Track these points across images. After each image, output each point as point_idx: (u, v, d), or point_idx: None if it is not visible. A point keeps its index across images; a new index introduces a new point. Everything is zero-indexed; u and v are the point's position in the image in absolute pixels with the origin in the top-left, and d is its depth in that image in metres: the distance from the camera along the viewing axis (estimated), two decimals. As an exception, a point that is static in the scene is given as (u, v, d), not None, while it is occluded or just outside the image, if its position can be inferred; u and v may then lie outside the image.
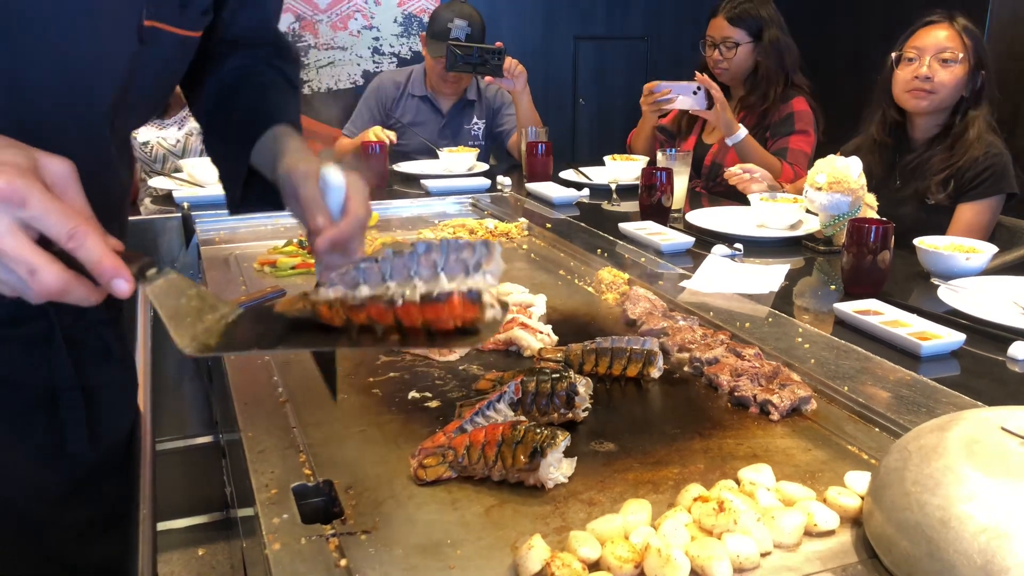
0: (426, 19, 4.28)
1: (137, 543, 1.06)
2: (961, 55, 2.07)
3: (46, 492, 1.03)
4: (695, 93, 2.55)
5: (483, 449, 0.93)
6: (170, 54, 0.99)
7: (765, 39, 2.70)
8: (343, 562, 0.79)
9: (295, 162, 0.90)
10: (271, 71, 1.12)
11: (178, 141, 2.87)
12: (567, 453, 0.95)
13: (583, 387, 1.08)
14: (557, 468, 0.93)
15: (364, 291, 0.68)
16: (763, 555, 0.80)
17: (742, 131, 2.54)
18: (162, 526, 2.49)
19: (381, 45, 4.28)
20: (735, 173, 2.32)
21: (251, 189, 1.04)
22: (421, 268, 0.67)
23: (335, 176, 0.85)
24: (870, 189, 1.96)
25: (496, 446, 0.93)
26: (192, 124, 2.91)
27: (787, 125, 2.67)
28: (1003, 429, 0.80)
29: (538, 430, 0.94)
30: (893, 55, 2.16)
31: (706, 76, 2.57)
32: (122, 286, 0.63)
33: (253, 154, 1.00)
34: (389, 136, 2.87)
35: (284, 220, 2.21)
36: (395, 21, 4.27)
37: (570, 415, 1.06)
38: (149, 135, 2.88)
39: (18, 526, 1.00)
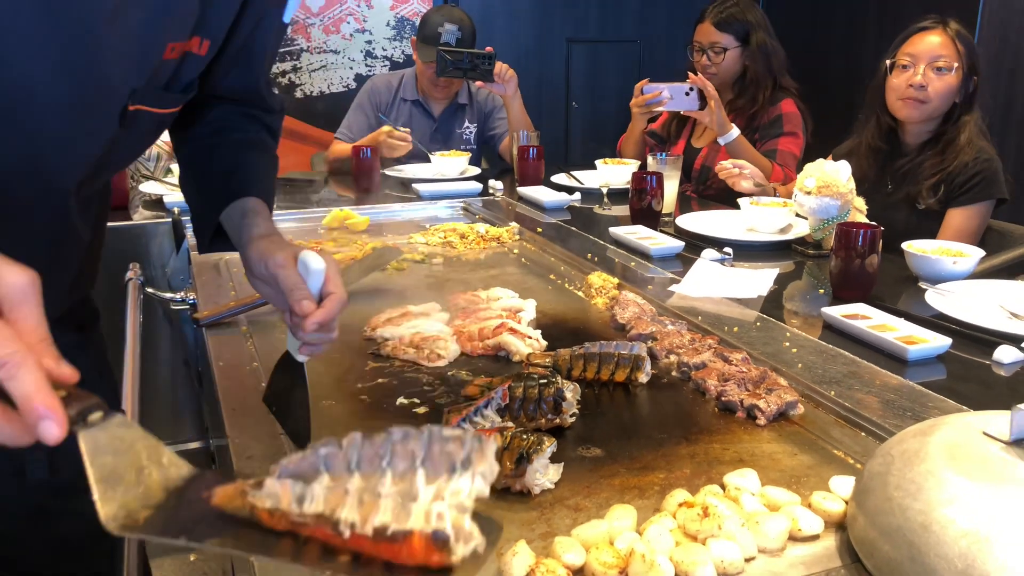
0: (418, 22, 4.29)
1: (123, 552, 1.06)
2: (956, 64, 2.07)
3: (8, 510, 1.03)
4: (687, 94, 2.56)
5: None
6: (147, 131, 0.98)
7: (752, 43, 2.70)
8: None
9: (269, 248, 0.93)
10: (253, 126, 1.12)
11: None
12: (553, 459, 0.95)
13: (571, 393, 1.08)
14: (543, 474, 0.93)
15: (315, 495, 0.56)
16: (747, 560, 0.80)
17: (735, 131, 2.55)
18: (153, 531, 2.48)
19: (374, 48, 4.28)
20: (726, 167, 2.32)
21: (219, 239, 1.07)
22: (396, 459, 0.55)
23: (316, 261, 0.89)
24: (862, 193, 1.97)
25: None
26: None
27: (775, 127, 2.68)
28: (985, 434, 0.80)
29: (524, 436, 0.94)
30: (887, 62, 2.16)
31: (700, 76, 2.57)
32: (50, 430, 0.52)
33: (222, 217, 1.03)
34: (403, 133, 2.88)
35: (276, 225, 2.21)
36: (387, 24, 4.27)
37: (557, 420, 1.06)
38: None
39: None
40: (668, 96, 2.60)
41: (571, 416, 1.08)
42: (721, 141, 2.57)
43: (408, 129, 2.96)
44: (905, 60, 2.12)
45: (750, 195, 2.24)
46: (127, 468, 0.58)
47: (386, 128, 2.92)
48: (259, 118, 1.13)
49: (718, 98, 2.54)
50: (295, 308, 0.88)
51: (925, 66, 2.08)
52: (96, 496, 0.55)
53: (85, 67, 0.81)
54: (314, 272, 0.89)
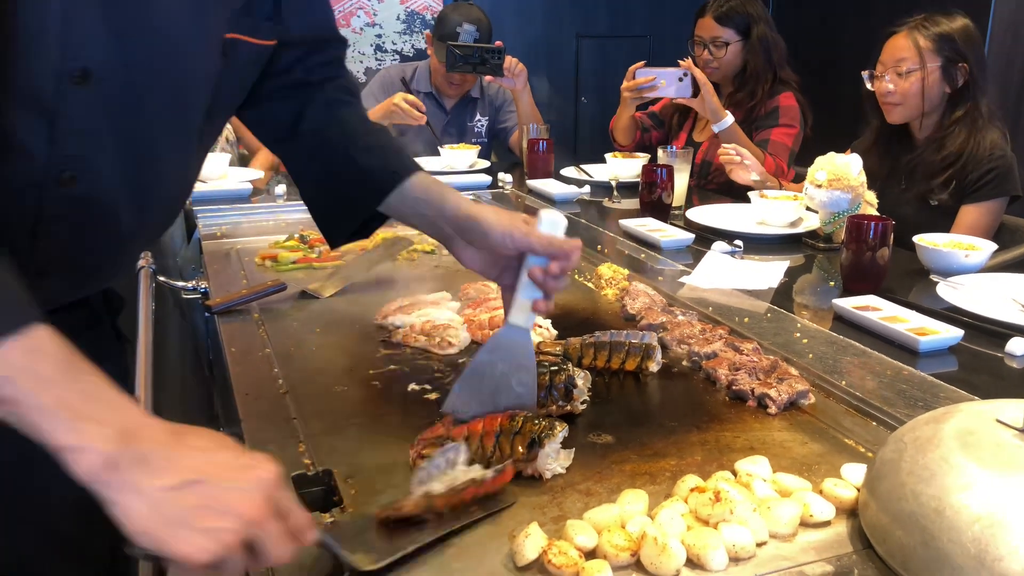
0: (429, 16, 4.29)
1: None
2: (916, 63, 2.08)
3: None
4: (681, 80, 2.53)
5: (481, 440, 0.94)
6: (245, 66, 0.99)
7: (753, 36, 2.68)
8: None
9: (503, 217, 1.00)
10: (344, 95, 1.13)
11: None
12: (565, 444, 0.96)
13: (581, 380, 1.08)
14: (555, 459, 0.94)
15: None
16: (759, 545, 0.80)
17: (729, 118, 2.53)
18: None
19: (384, 42, 4.28)
20: (727, 151, 2.30)
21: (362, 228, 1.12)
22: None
23: (554, 215, 1.00)
24: (874, 189, 1.96)
25: (494, 437, 0.93)
26: None
27: (771, 118, 2.66)
28: (998, 421, 0.80)
29: (536, 421, 0.94)
30: (864, 74, 2.19)
31: (690, 62, 2.56)
32: (312, 537, 0.71)
33: (389, 204, 1.06)
34: (415, 103, 2.86)
35: (285, 215, 2.21)
36: (398, 18, 4.27)
37: (568, 407, 1.07)
38: None
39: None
40: (661, 83, 2.57)
41: (582, 403, 1.09)
42: (716, 128, 2.55)
43: (423, 107, 2.92)
44: (879, 69, 2.17)
45: (748, 188, 2.24)
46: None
47: (399, 96, 2.89)
48: (342, 76, 1.14)
49: (709, 85, 2.52)
50: (569, 254, 0.97)
51: (890, 72, 2.13)
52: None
53: None
54: (560, 225, 1.00)
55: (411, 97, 2.88)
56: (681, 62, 2.55)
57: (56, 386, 0.62)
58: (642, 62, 2.65)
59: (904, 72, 2.10)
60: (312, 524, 0.71)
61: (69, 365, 0.64)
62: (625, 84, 2.68)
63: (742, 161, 2.28)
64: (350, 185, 1.08)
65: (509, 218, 1.00)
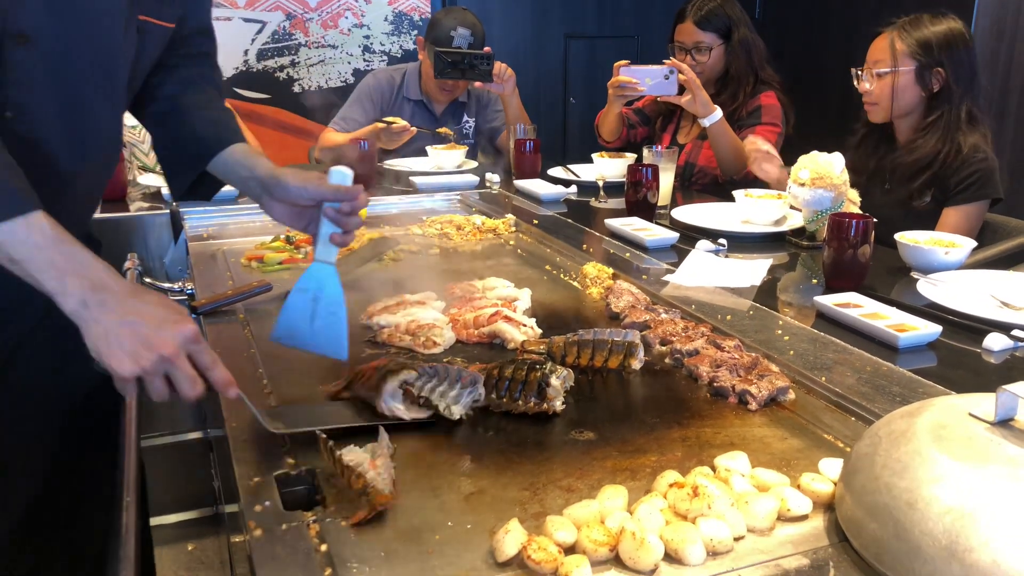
0: (417, 17, 4.29)
1: (121, 533, 1.07)
2: (890, 64, 2.10)
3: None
4: (666, 78, 2.54)
5: (369, 374, 1.06)
6: (154, 42, 1.19)
7: (735, 39, 2.69)
8: (323, 547, 0.80)
9: (300, 174, 1.18)
10: (210, 88, 1.35)
11: None
12: (544, 443, 0.96)
13: (558, 380, 1.09)
14: (400, 406, 1.04)
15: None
16: (736, 539, 0.81)
17: (718, 112, 2.53)
18: (152, 521, 2.49)
19: (372, 43, 4.28)
20: (757, 145, 2.29)
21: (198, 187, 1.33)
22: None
23: (342, 168, 1.15)
24: (859, 188, 1.98)
25: (373, 370, 1.06)
26: None
27: (754, 117, 2.67)
28: (970, 415, 0.82)
29: (403, 361, 1.07)
30: (852, 71, 2.22)
31: (675, 60, 2.56)
32: (233, 392, 0.97)
33: (212, 165, 1.27)
34: (403, 124, 2.88)
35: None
36: (386, 19, 4.27)
37: (544, 406, 1.07)
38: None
39: None
40: (646, 81, 2.57)
41: (560, 403, 1.09)
42: (706, 123, 2.54)
43: (407, 125, 2.94)
44: (862, 69, 2.19)
45: (734, 186, 2.24)
46: None
47: (382, 124, 2.90)
48: (208, 67, 1.37)
49: (697, 80, 2.51)
50: (356, 195, 1.14)
51: (868, 72, 2.15)
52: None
53: None
54: (348, 176, 1.16)
55: (387, 119, 2.90)
56: (667, 61, 2.56)
57: (47, 251, 0.89)
58: (626, 60, 2.65)
59: (878, 73, 2.12)
60: (231, 382, 0.96)
61: (56, 237, 0.90)
62: (610, 81, 2.67)
63: (768, 154, 2.27)
64: (187, 145, 1.28)
65: (305, 175, 1.17)
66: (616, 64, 2.64)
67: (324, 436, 0.93)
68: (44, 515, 1.23)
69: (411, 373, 1.05)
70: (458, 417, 1.06)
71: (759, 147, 2.28)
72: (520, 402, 1.07)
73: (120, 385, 0.91)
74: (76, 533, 1.27)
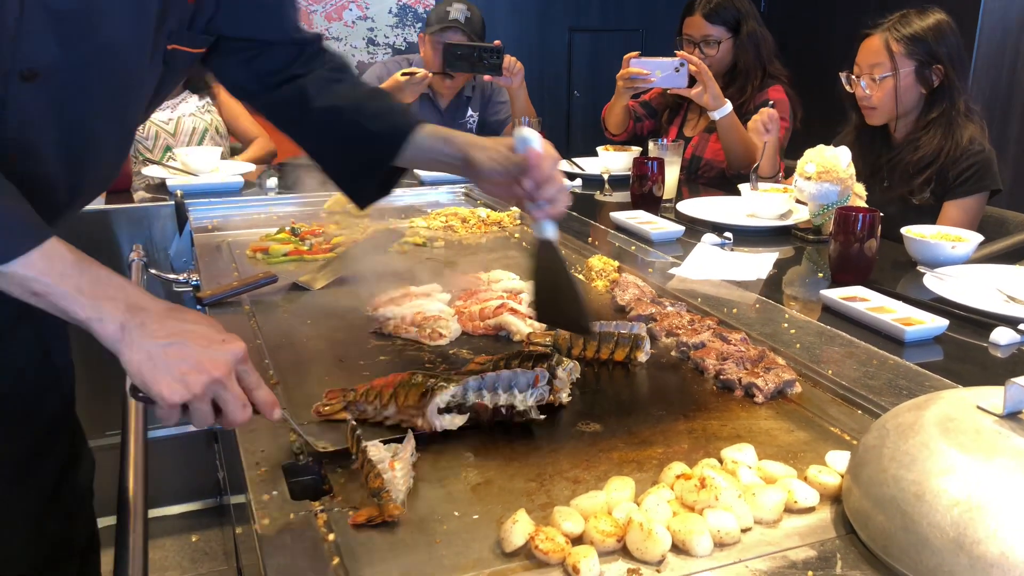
0: (421, 9, 4.28)
1: (128, 526, 1.07)
2: (889, 66, 2.08)
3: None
4: (677, 70, 2.52)
5: (380, 391, 1.01)
6: (182, 69, 1.11)
7: (743, 32, 2.67)
8: (331, 537, 0.80)
9: (490, 145, 1.14)
10: (339, 73, 1.25)
11: (169, 120, 2.88)
12: (553, 434, 0.97)
13: (564, 372, 1.09)
14: (443, 415, 0.99)
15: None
16: (743, 530, 0.81)
17: (728, 105, 2.53)
18: (156, 512, 2.50)
19: (376, 36, 4.27)
20: (763, 118, 2.28)
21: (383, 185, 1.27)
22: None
23: (525, 132, 1.11)
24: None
25: (392, 388, 1.01)
26: (183, 107, 2.92)
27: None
28: (978, 408, 0.81)
29: (434, 377, 1.02)
30: (842, 75, 2.19)
31: (686, 53, 2.55)
32: (278, 414, 0.90)
33: (405, 157, 1.20)
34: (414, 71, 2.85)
35: (276, 208, 2.22)
36: (390, 12, 4.27)
37: (550, 398, 1.07)
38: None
39: None
40: (656, 73, 2.56)
41: (567, 395, 1.09)
42: (716, 116, 2.53)
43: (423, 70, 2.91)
44: (856, 71, 2.16)
45: (738, 179, 2.23)
46: None
47: (397, 73, 2.88)
48: (327, 62, 1.25)
49: (708, 72, 2.51)
50: (542, 164, 1.09)
51: (866, 76, 2.13)
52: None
53: (150, 18, 0.99)
54: (534, 138, 1.10)
55: (408, 68, 2.87)
56: (679, 53, 2.55)
57: (71, 279, 0.82)
58: (637, 52, 2.63)
59: (878, 78, 2.10)
60: (275, 403, 0.89)
61: (78, 262, 0.83)
62: (620, 73, 2.65)
63: (773, 118, 2.26)
64: (364, 149, 1.20)
65: (495, 151, 1.12)
66: (626, 56, 2.62)
67: (354, 424, 0.93)
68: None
69: (456, 387, 1.02)
70: (541, 416, 1.02)
71: (765, 120, 2.27)
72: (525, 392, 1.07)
73: (164, 413, 0.83)
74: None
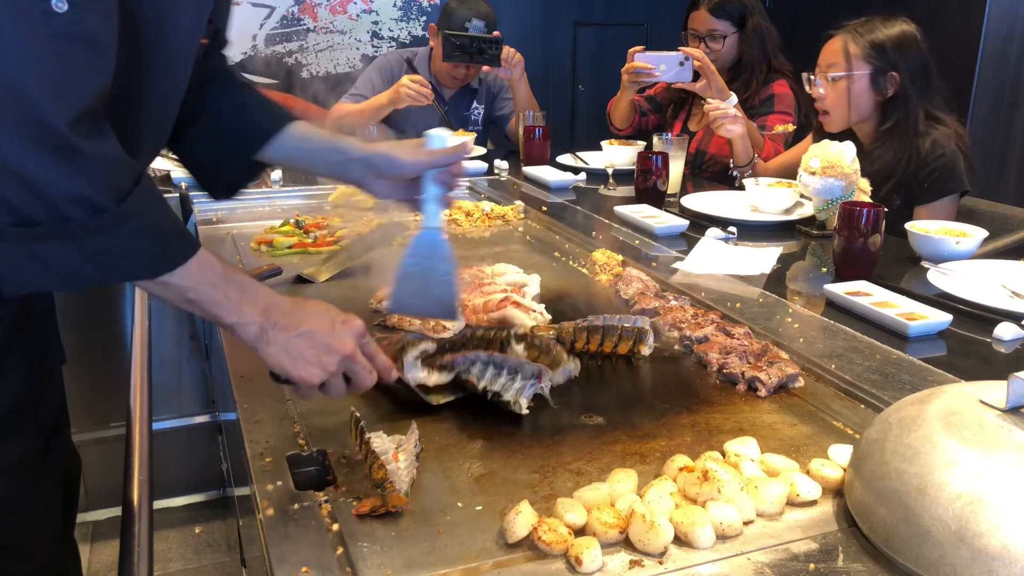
0: (426, 3, 4.27)
1: (134, 516, 1.08)
2: (844, 67, 2.06)
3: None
4: (681, 64, 2.51)
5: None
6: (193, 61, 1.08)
7: (748, 27, 2.66)
8: (335, 527, 0.81)
9: (392, 149, 1.14)
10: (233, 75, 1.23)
11: None
12: (555, 427, 0.97)
13: (518, 344, 1.14)
14: (422, 372, 1.08)
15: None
16: (746, 523, 0.82)
17: (733, 98, 2.51)
18: (159, 504, 2.51)
19: (380, 29, 4.27)
20: (715, 106, 2.29)
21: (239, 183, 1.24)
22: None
23: (439, 132, 1.13)
24: None
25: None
26: None
27: (767, 106, 2.65)
28: (981, 402, 0.82)
29: (409, 338, 1.13)
30: (804, 76, 2.17)
31: (690, 48, 2.54)
32: (395, 375, 1.01)
33: (270, 150, 1.18)
34: (421, 81, 2.84)
35: (281, 201, 2.23)
36: (394, 5, 4.26)
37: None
38: None
39: None
40: (661, 67, 2.55)
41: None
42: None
43: (429, 87, 2.91)
44: (816, 73, 2.15)
45: (738, 140, 2.24)
46: None
47: (405, 78, 2.88)
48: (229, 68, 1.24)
49: (712, 66, 2.50)
50: (462, 154, 1.12)
51: (821, 76, 2.11)
52: None
53: (203, 24, 1.00)
54: (447, 138, 1.13)
55: (416, 77, 2.87)
56: (683, 48, 2.54)
57: (221, 287, 0.89)
58: (641, 46, 2.63)
59: (832, 78, 2.08)
60: (392, 367, 1.01)
61: (225, 271, 0.90)
62: (625, 67, 2.65)
63: (728, 114, 2.25)
64: (236, 131, 1.19)
65: (410, 147, 1.14)
66: (631, 50, 2.61)
67: (357, 416, 0.94)
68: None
69: (430, 344, 1.09)
70: (525, 411, 1.03)
71: (722, 111, 2.27)
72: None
73: (304, 393, 0.94)
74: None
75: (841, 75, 2.07)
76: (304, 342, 0.91)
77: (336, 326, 0.94)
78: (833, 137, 2.11)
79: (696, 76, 2.50)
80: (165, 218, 0.86)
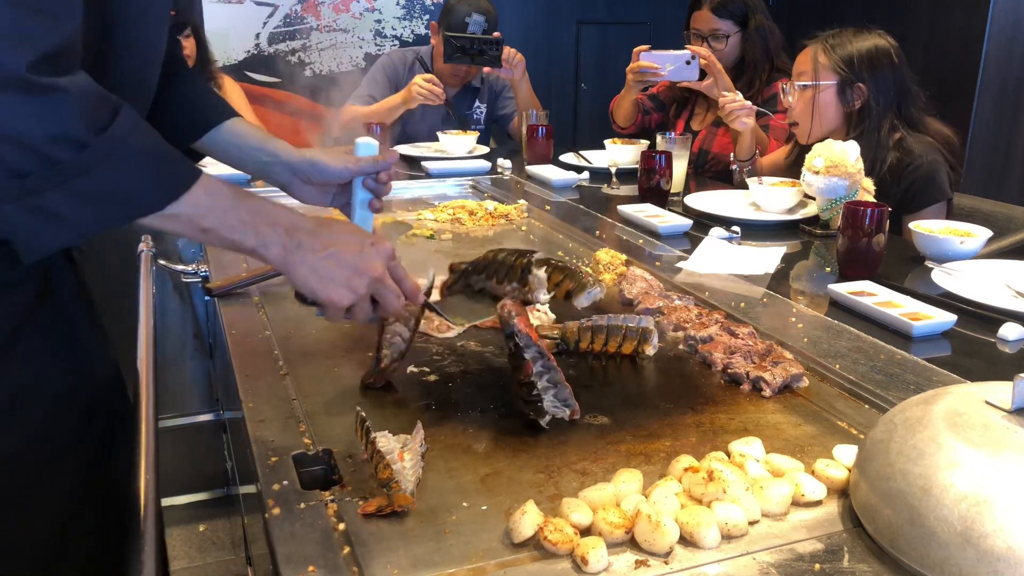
0: (429, 2, 4.27)
1: (140, 516, 1.08)
2: (811, 78, 2.07)
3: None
4: (688, 63, 2.51)
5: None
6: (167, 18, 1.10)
7: (751, 26, 2.66)
8: (341, 526, 0.81)
9: (314, 153, 1.16)
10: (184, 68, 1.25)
11: None
12: (559, 428, 0.97)
13: (540, 270, 1.14)
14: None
15: None
16: (751, 523, 0.82)
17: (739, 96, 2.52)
18: (163, 502, 2.52)
19: (383, 28, 4.27)
20: (731, 98, 2.29)
21: None
22: None
23: (368, 140, 1.16)
24: None
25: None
26: None
27: (770, 105, 2.65)
28: (987, 403, 0.82)
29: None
30: (779, 86, 2.18)
31: (696, 46, 2.54)
32: (421, 298, 1.04)
33: (207, 142, 1.20)
34: (434, 80, 2.85)
35: (286, 201, 2.22)
36: (397, 4, 4.26)
37: (527, 295, 1.13)
38: None
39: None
40: (667, 66, 2.55)
41: (545, 296, 1.14)
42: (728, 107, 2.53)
43: (441, 86, 2.91)
44: (787, 84, 2.16)
45: (748, 134, 2.25)
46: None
47: (418, 78, 2.88)
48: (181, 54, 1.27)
49: (719, 65, 2.50)
50: (390, 163, 1.15)
51: (791, 84, 2.12)
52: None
53: None
54: (375, 146, 1.16)
55: (429, 76, 2.87)
56: (689, 46, 2.54)
57: (234, 211, 0.87)
58: (647, 45, 2.62)
59: (800, 86, 2.09)
60: (420, 289, 1.02)
61: (235, 194, 0.88)
62: (630, 67, 2.64)
63: (744, 105, 2.25)
64: (177, 116, 1.18)
65: (339, 155, 1.16)
66: (636, 49, 2.61)
67: (363, 415, 0.93)
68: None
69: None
70: (544, 423, 1.02)
71: (737, 100, 2.27)
72: (504, 284, 1.13)
73: (332, 315, 0.95)
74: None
75: (808, 84, 2.08)
76: (333, 263, 0.91)
77: (364, 248, 0.94)
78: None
79: (702, 75, 2.50)
80: (157, 146, 0.85)
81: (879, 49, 2.07)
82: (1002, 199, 2.17)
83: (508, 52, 2.87)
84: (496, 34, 2.86)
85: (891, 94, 2.06)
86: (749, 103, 2.31)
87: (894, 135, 2.05)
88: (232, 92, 3.04)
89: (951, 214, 2.10)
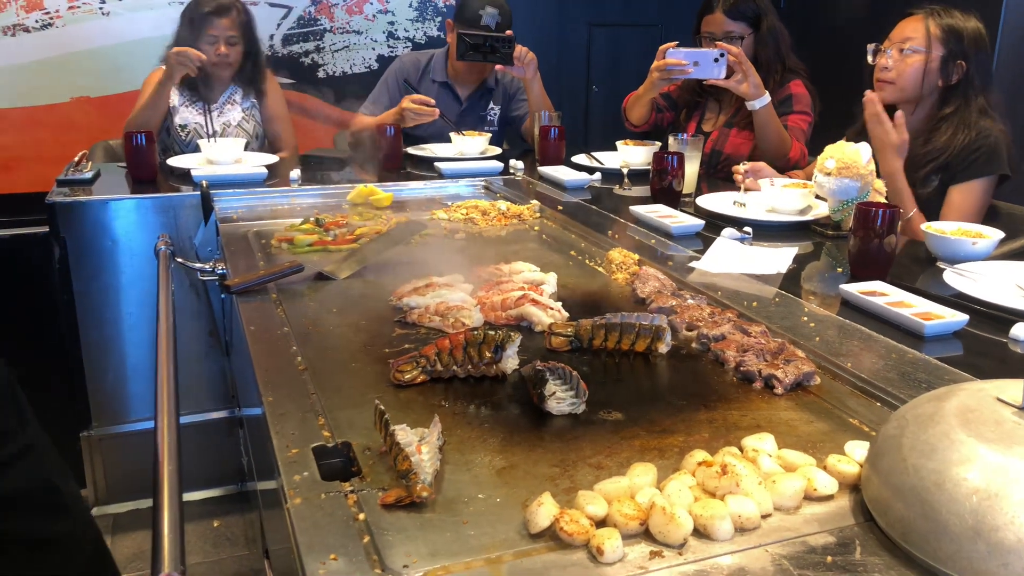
0: (441, 3, 4.29)
1: (162, 512, 1.10)
2: (924, 46, 2.11)
3: None
4: (716, 60, 2.49)
5: (451, 352, 1.11)
6: None
7: (764, 28, 2.67)
8: (361, 516, 0.83)
9: None
10: None
11: (215, 131, 2.90)
12: (575, 423, 0.98)
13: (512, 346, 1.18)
14: (514, 361, 1.16)
15: None
16: (764, 516, 0.83)
17: (767, 96, 2.52)
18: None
19: (396, 30, 4.29)
20: (743, 172, 2.30)
21: None
22: None
23: None
24: None
25: (462, 348, 1.14)
26: (230, 114, 2.94)
27: (785, 106, 2.66)
28: (998, 399, 0.83)
29: (492, 331, 1.16)
30: (869, 47, 2.21)
31: (726, 44, 2.54)
32: None
33: None
34: (423, 100, 2.87)
35: (300, 199, 2.25)
36: (410, 6, 4.28)
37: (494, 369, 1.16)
38: (187, 118, 2.90)
39: None
40: (694, 64, 2.54)
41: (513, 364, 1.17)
42: (756, 105, 2.52)
43: (433, 101, 2.94)
44: (885, 45, 2.19)
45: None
46: None
47: (405, 100, 2.91)
48: None
49: (748, 61, 2.50)
50: None
51: (894, 49, 2.15)
52: None
53: None
54: None
55: (417, 97, 2.90)
56: (718, 43, 2.54)
57: None
58: (675, 42, 2.60)
59: (907, 50, 2.13)
60: None
61: None
62: (656, 64, 2.62)
63: (759, 172, 2.25)
64: None
65: None
66: (663, 47, 2.60)
67: (382, 408, 0.95)
68: None
69: (519, 337, 1.18)
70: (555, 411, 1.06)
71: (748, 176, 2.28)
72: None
73: None
74: None
75: (919, 50, 2.12)
76: None
77: None
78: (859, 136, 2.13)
79: (729, 73, 2.50)
80: None
81: (981, 31, 2.13)
82: (1014, 201, 2.17)
83: (520, 50, 2.89)
84: (508, 32, 2.88)
85: (987, 77, 2.12)
86: (764, 168, 2.30)
87: (981, 117, 2.10)
88: (274, 102, 3.07)
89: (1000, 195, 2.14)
